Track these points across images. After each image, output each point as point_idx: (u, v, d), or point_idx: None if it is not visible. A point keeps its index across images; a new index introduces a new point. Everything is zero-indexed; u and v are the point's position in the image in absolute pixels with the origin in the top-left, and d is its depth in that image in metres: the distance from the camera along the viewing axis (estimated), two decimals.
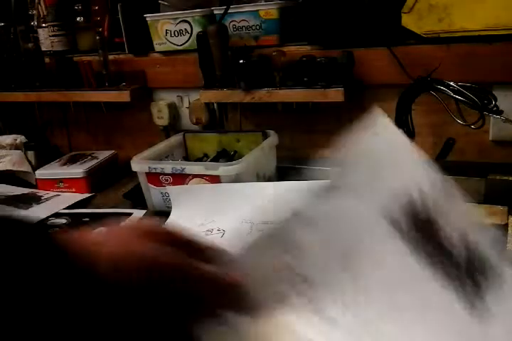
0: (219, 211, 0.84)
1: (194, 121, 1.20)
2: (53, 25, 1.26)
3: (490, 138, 0.98)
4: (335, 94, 0.98)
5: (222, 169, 0.88)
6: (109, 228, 0.37)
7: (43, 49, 1.28)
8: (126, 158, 1.06)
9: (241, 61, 1.03)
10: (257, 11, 1.06)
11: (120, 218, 0.97)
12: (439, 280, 0.39)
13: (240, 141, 1.07)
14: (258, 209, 0.79)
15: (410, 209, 0.41)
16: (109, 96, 1.22)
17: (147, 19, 1.16)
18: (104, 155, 1.25)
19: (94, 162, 1.20)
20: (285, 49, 1.05)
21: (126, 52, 1.22)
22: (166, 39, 1.17)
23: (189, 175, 0.91)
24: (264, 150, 0.99)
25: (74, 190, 1.15)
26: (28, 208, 1.08)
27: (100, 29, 1.20)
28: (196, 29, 1.12)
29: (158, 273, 0.33)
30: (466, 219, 0.44)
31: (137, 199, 1.02)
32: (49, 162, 1.23)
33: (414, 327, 0.37)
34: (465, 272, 0.40)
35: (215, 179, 0.89)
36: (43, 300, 0.29)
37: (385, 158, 0.44)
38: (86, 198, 1.12)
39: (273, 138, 1.03)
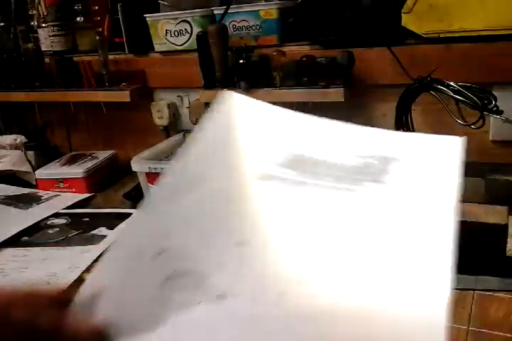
0: None
1: (194, 121, 1.19)
2: (53, 25, 1.25)
3: (490, 138, 0.98)
4: (335, 94, 0.97)
5: None
6: None
7: (43, 49, 1.28)
8: (126, 158, 1.07)
9: (241, 61, 1.03)
10: (257, 11, 1.06)
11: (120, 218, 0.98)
12: None
13: None
14: None
15: None
16: (109, 96, 1.22)
17: (147, 19, 1.16)
18: (104, 155, 1.25)
19: (94, 162, 1.20)
20: (285, 49, 1.05)
21: (126, 52, 1.22)
22: (166, 39, 1.17)
23: None
24: None
25: (74, 190, 1.15)
26: (28, 208, 1.08)
27: (100, 29, 1.20)
28: (196, 29, 1.12)
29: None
30: None
31: (137, 199, 1.02)
32: (49, 162, 1.23)
33: None
34: None
35: None
36: None
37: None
38: (86, 198, 1.12)
39: None
